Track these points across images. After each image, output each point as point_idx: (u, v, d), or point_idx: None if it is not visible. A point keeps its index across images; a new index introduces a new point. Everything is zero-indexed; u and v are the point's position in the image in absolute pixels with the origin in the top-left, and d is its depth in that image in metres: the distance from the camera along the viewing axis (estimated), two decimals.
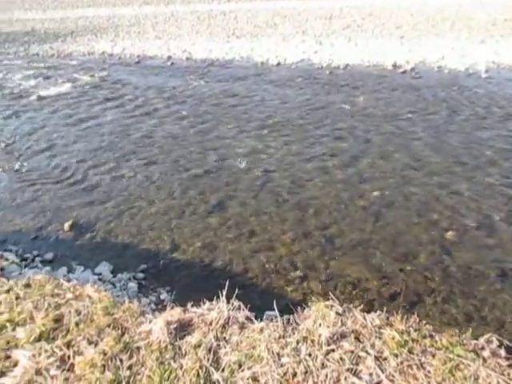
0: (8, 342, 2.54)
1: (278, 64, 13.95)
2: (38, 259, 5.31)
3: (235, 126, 9.13)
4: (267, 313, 3.80)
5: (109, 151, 8.35)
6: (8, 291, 3.00)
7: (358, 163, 7.25)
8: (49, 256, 5.40)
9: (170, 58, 15.98)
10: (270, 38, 16.87)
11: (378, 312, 2.63)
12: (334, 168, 7.12)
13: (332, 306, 2.66)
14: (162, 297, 4.52)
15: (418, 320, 2.55)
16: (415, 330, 2.46)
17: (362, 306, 2.75)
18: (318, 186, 6.59)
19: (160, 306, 4.20)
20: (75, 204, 6.55)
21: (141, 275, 4.95)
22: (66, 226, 5.95)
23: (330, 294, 3.01)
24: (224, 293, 2.77)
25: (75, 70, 15.40)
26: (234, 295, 2.82)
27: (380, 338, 2.40)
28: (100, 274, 4.98)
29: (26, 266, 5.10)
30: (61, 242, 5.75)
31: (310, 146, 7.96)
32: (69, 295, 2.87)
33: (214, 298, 2.87)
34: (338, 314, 2.58)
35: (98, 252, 5.47)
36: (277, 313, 2.73)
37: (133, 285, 4.76)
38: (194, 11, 25.20)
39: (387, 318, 2.55)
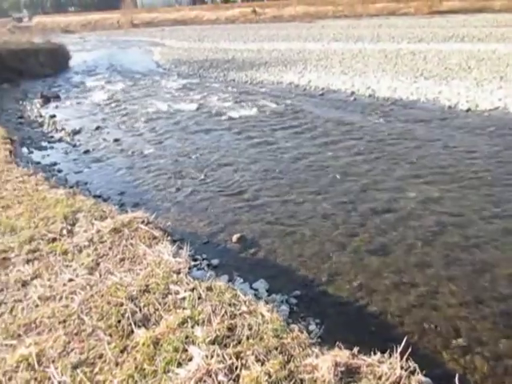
0: (187, 337, 2.82)
1: (468, 110, 12.89)
2: (205, 262, 5.82)
3: (410, 169, 8.72)
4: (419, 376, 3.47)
5: (282, 175, 8.79)
6: (192, 290, 3.35)
7: None
8: (215, 262, 5.88)
9: (353, 93, 16.16)
10: (462, 82, 15.72)
11: None
12: None
13: None
14: (310, 328, 4.48)
15: None
16: None
17: None
18: (499, 249, 5.83)
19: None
20: (245, 219, 7.06)
21: (293, 300, 5.02)
22: (235, 237, 6.43)
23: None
24: (399, 349, 2.59)
25: (263, 96, 16.74)
26: (407, 353, 2.62)
27: None
28: (256, 290, 5.20)
29: (193, 267, 5.63)
30: (227, 251, 6.24)
31: (494, 204, 7.11)
32: (244, 308, 3.06)
33: (387, 351, 2.70)
34: None
35: (258, 268, 5.76)
36: None
37: (285, 308, 4.82)
38: (381, 49, 25.10)
39: None
